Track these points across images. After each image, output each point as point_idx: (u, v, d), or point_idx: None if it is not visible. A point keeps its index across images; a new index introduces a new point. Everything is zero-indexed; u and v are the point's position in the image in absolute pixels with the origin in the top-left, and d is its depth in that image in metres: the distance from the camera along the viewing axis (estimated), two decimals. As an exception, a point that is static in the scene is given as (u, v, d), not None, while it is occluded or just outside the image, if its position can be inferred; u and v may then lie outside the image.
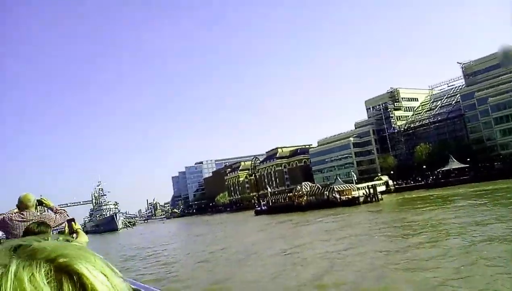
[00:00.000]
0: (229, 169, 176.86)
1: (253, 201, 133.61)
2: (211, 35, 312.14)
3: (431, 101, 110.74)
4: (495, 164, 79.34)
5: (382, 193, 71.45)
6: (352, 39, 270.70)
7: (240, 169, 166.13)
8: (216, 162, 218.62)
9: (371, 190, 68.99)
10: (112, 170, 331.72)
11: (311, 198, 75.26)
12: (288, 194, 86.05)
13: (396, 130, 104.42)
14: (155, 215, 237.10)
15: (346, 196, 68.72)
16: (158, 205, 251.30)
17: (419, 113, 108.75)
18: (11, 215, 4.03)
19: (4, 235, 4.51)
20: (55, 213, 4.36)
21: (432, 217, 32.37)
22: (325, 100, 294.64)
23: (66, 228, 4.03)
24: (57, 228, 4.65)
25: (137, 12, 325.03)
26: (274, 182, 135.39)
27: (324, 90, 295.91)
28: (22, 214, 4.01)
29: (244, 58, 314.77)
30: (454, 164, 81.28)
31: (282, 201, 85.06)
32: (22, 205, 4.08)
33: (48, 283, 0.48)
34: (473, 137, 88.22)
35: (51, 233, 3.26)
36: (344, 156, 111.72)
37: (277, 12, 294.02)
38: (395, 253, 20.15)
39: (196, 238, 52.32)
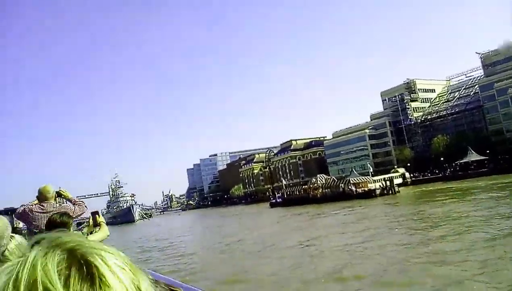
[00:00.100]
0: (244, 161, 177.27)
1: (267, 193, 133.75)
2: (224, 29, 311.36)
3: (448, 92, 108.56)
4: (516, 155, 77.50)
5: (398, 185, 70.64)
6: (368, 29, 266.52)
7: (254, 161, 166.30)
8: (231, 154, 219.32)
9: (388, 182, 68.21)
10: (128, 162, 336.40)
11: (326, 190, 74.85)
12: (303, 186, 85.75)
13: (412, 122, 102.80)
14: (171, 207, 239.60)
15: (362, 189, 68.10)
16: (173, 197, 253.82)
17: (436, 104, 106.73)
18: (31, 206, 4.09)
19: (25, 226, 4.57)
20: (74, 204, 4.43)
21: (452, 209, 31.75)
22: (339, 92, 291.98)
23: (91, 220, 4.08)
24: (76, 219, 4.70)
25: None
26: (288, 174, 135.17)
27: (338, 82, 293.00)
28: (42, 206, 4.07)
29: (257, 52, 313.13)
30: (473, 156, 79.66)
31: (297, 193, 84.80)
32: (41, 197, 4.15)
33: (58, 271, 0.50)
34: (492, 129, 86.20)
35: (72, 223, 3.32)
36: (360, 148, 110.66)
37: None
38: (416, 246, 19.82)
39: (212, 230, 52.65)
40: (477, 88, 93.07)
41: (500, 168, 70.25)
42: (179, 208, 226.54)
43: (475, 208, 30.30)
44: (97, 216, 4.05)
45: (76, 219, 4.62)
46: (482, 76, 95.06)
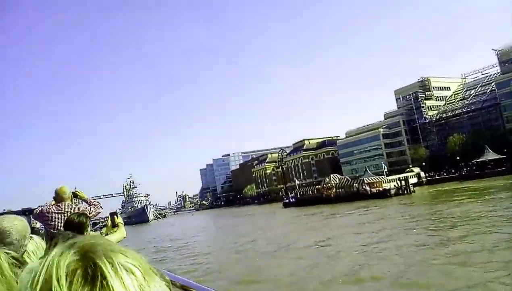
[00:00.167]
0: (256, 161, 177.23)
1: (280, 193, 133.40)
2: (244, 22, 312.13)
3: (464, 90, 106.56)
4: (535, 154, 75.65)
5: (413, 185, 69.62)
6: (382, 26, 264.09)
7: (267, 161, 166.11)
8: (243, 154, 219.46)
9: (403, 182, 67.31)
10: (142, 162, 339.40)
11: (340, 190, 74.23)
12: (317, 186, 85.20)
13: (427, 121, 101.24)
14: (185, 207, 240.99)
15: (377, 188, 67.34)
16: (187, 197, 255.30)
17: (452, 102, 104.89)
18: (48, 207, 4.17)
19: (43, 226, 4.63)
20: (90, 205, 4.50)
21: (470, 209, 31.11)
22: (351, 91, 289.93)
23: (109, 220, 4.12)
24: (92, 219, 4.58)
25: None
26: (301, 174, 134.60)
27: (350, 80, 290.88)
28: (59, 206, 4.15)
29: (269, 52, 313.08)
30: (490, 155, 78.00)
31: (311, 193, 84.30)
32: (58, 197, 4.23)
33: (67, 270, 0.52)
34: (510, 127, 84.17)
35: (89, 224, 3.37)
36: (373, 147, 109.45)
37: None
38: (435, 247, 19.44)
39: (226, 230, 52.70)
40: (494, 86, 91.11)
41: (518, 167, 68.73)
42: (193, 208, 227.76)
43: (494, 208, 29.63)
44: (115, 216, 4.10)
45: (92, 219, 4.53)
46: (499, 73, 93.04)
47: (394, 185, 67.15)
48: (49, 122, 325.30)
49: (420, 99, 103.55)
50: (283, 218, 57.74)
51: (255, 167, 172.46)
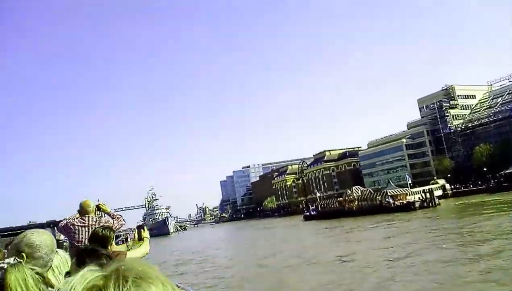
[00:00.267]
0: (276, 173, 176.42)
1: (301, 205, 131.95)
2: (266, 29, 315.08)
3: (490, 98, 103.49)
4: None
5: (438, 197, 67.63)
6: (404, 34, 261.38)
7: (287, 172, 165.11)
8: (263, 166, 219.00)
9: (428, 194, 65.43)
10: (163, 174, 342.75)
11: (362, 202, 72.81)
12: (338, 199, 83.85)
13: (452, 130, 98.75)
14: (205, 219, 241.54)
15: (401, 201, 65.69)
16: (207, 209, 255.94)
17: (478, 111, 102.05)
18: (73, 220, 4.26)
19: (66, 238, 4.71)
20: (113, 218, 4.56)
21: (501, 223, 29.82)
22: (373, 101, 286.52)
23: (136, 233, 4.17)
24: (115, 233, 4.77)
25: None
26: (322, 186, 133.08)
27: (372, 89, 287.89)
28: (83, 219, 4.23)
29: (286, 60, 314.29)
30: (519, 166, 75.22)
31: (332, 206, 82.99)
32: (82, 211, 4.32)
33: (88, 288, 0.52)
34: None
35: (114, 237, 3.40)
36: (396, 158, 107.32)
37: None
38: (465, 263, 18.57)
39: (246, 243, 52.31)
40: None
41: (550, 178, 65.96)
42: (213, 220, 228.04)
43: (527, 222, 28.33)
44: (142, 230, 4.13)
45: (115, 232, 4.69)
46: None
47: (419, 197, 65.38)
48: (72, 136, 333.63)
49: (444, 108, 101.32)
50: (304, 231, 56.96)
51: (275, 178, 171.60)
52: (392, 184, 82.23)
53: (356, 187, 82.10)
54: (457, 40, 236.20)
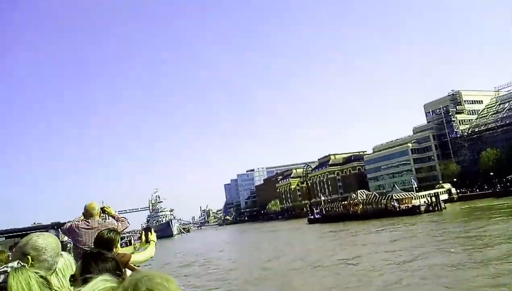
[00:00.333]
0: (281, 177, 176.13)
1: (305, 209, 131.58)
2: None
3: (497, 103, 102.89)
4: None
5: (444, 201, 67.12)
6: (413, 39, 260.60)
7: (291, 176, 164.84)
8: (267, 170, 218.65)
9: (433, 198, 64.95)
10: (167, 177, 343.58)
11: (367, 206, 72.36)
12: (343, 202, 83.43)
13: (458, 135, 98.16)
14: (208, 222, 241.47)
15: (406, 205, 65.25)
16: (211, 212, 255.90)
17: (485, 116, 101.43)
18: (77, 222, 4.27)
19: (70, 240, 4.72)
20: (117, 220, 4.58)
21: (509, 227, 29.42)
22: (378, 105, 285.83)
23: (143, 235, 4.11)
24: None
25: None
26: (326, 190, 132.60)
27: (377, 94, 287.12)
28: (88, 222, 4.23)
29: (292, 64, 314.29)
30: (526, 171, 74.50)
31: (337, 209, 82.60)
32: (87, 213, 4.32)
33: None
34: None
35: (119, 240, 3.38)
36: (402, 162, 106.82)
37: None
38: (473, 267, 18.27)
39: (250, 246, 52.07)
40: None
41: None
42: (216, 223, 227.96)
43: (536, 227, 27.94)
44: (149, 233, 4.07)
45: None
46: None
47: (424, 201, 64.95)
48: (75, 136, 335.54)
49: (451, 113, 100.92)
50: (309, 234, 56.65)
51: (280, 182, 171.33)
52: (397, 188, 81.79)
53: (361, 190, 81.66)
54: (464, 45, 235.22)
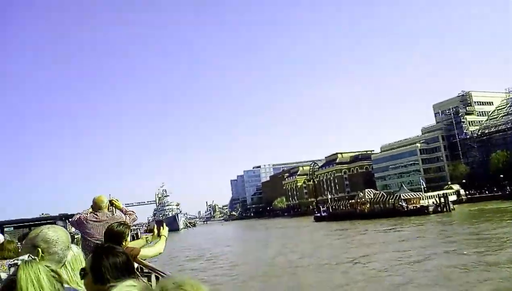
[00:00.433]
0: (287, 174, 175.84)
1: (311, 206, 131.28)
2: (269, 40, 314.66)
3: (508, 105, 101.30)
4: None
5: (453, 202, 66.50)
6: (419, 39, 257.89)
7: (298, 173, 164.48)
8: (274, 167, 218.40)
9: (442, 199, 64.33)
10: (174, 171, 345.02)
11: (375, 205, 71.89)
12: (350, 201, 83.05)
13: (468, 136, 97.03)
14: (214, 217, 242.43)
15: (414, 205, 64.77)
16: (217, 207, 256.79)
17: (495, 118, 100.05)
18: (86, 215, 4.27)
19: (77, 231, 4.79)
20: (125, 214, 4.56)
21: (519, 230, 29.01)
22: (387, 105, 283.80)
23: (155, 228, 4.09)
24: None
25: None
26: (333, 188, 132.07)
27: (386, 94, 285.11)
28: (96, 215, 4.24)
29: (297, 62, 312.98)
30: (537, 174, 73.49)
31: (343, 207, 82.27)
32: (96, 206, 4.33)
33: None
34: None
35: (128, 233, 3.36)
36: (410, 162, 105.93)
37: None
38: (483, 269, 18.01)
39: (256, 242, 51.99)
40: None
41: None
42: (222, 218, 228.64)
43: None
44: (161, 227, 4.05)
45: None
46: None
47: (433, 202, 64.40)
48: (86, 129, 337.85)
49: (460, 114, 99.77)
50: (315, 232, 56.42)
51: (286, 179, 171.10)
52: (405, 187, 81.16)
53: (369, 189, 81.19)
54: (476, 46, 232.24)
